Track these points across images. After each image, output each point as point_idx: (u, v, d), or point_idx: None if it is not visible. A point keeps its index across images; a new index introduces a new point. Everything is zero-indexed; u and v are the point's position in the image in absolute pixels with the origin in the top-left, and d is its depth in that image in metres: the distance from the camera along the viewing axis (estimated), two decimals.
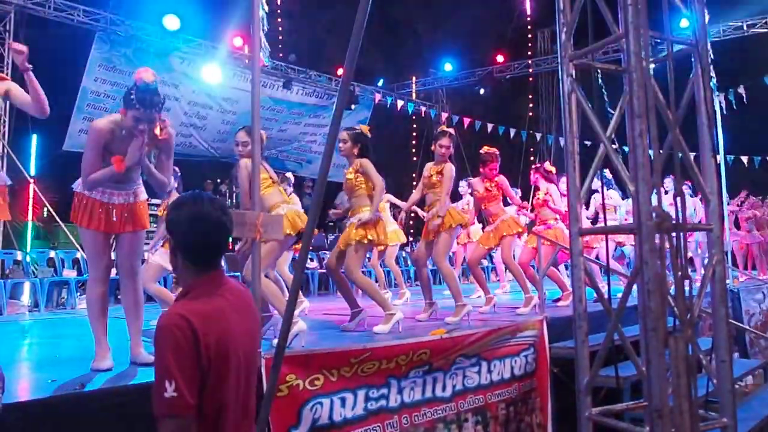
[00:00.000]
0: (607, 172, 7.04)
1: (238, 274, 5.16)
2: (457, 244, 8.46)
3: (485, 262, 10.97)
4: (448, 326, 4.87)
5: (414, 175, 14.81)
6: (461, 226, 5.67)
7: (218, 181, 12.58)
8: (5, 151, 9.45)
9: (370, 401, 3.58)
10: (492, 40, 17.50)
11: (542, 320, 4.86)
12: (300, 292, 4.44)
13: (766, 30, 12.64)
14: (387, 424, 3.65)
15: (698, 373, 2.57)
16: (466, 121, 15.05)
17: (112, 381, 3.17)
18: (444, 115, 15.91)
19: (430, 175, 5.63)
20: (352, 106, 13.82)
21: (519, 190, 9.26)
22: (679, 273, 2.53)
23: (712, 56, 9.77)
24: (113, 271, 3.83)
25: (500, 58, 15.94)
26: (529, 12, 16.98)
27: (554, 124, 16.95)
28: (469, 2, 18.56)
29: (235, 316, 1.93)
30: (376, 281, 7.48)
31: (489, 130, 14.95)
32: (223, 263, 2.28)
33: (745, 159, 14.70)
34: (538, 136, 16.94)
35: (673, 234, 2.58)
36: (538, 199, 7.05)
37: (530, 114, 17.46)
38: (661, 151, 2.73)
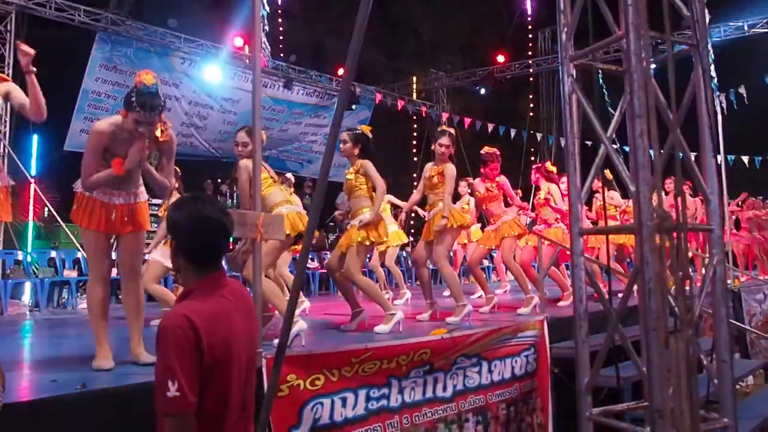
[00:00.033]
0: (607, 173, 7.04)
1: (238, 274, 5.16)
2: (456, 243, 8.46)
3: (485, 262, 10.97)
4: (449, 326, 4.87)
5: (414, 175, 14.82)
6: (462, 227, 5.67)
7: (219, 181, 12.58)
8: (6, 150, 9.45)
9: (371, 401, 3.59)
10: (492, 40, 17.52)
11: (543, 320, 4.86)
12: (300, 292, 4.44)
13: (766, 30, 12.63)
14: (388, 424, 3.65)
15: (699, 373, 2.57)
16: (467, 121, 15.06)
17: (113, 381, 3.17)
18: (444, 115, 15.91)
19: (430, 176, 5.61)
20: (353, 106, 13.82)
21: (519, 191, 9.27)
22: (680, 273, 2.53)
23: (712, 56, 9.80)
24: (114, 271, 3.83)
25: (501, 58, 15.94)
26: (529, 12, 17.00)
27: (555, 124, 16.95)
28: (470, 2, 18.60)
29: (236, 317, 1.95)
30: (377, 282, 7.49)
31: (489, 130, 14.96)
32: (223, 263, 2.28)
33: (745, 159, 14.71)
34: (539, 136, 16.95)
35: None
36: (539, 198, 7.04)
37: (531, 114, 17.48)
38: (661, 152, 2.73)
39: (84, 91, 10.34)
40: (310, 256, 9.44)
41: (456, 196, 7.23)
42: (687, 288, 2.58)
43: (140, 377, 3.15)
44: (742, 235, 11.75)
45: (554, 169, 7.12)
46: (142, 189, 3.67)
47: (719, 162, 8.31)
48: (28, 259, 8.41)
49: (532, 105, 17.70)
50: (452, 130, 5.99)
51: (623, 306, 2.92)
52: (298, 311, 4.53)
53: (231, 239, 2.41)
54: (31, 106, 3.35)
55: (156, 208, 6.85)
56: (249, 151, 4.37)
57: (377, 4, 2.55)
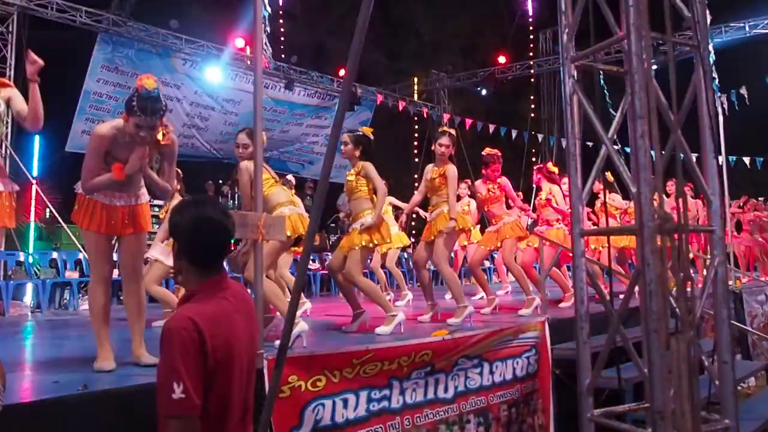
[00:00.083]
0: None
1: (239, 275, 5.16)
2: (457, 245, 8.45)
3: (486, 263, 10.97)
4: (450, 327, 4.87)
5: (415, 176, 14.83)
6: (462, 230, 5.66)
7: (220, 182, 12.59)
8: (8, 152, 9.46)
9: (372, 402, 3.59)
10: (494, 41, 17.53)
11: (544, 321, 4.85)
12: (302, 293, 4.44)
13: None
14: (389, 425, 3.65)
15: (700, 374, 2.57)
16: (468, 122, 15.07)
17: (115, 382, 3.17)
18: (446, 116, 15.92)
19: (432, 178, 5.59)
20: (354, 107, 13.83)
21: (521, 193, 9.26)
22: (681, 274, 2.53)
23: (713, 57, 9.80)
24: (115, 272, 3.83)
25: (502, 59, 15.94)
26: (530, 13, 17.00)
27: (556, 125, 16.95)
28: (471, 3, 18.61)
29: (237, 319, 1.96)
30: (378, 284, 7.48)
31: (490, 131, 14.96)
32: (225, 265, 2.28)
33: (747, 160, 14.70)
34: (540, 137, 16.95)
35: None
36: (540, 199, 7.04)
37: (532, 115, 17.48)
38: (663, 153, 2.73)
39: (85, 92, 10.35)
40: (311, 257, 9.45)
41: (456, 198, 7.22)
42: (688, 289, 2.58)
43: (142, 378, 3.15)
44: (743, 237, 11.75)
45: (556, 170, 7.12)
46: (144, 191, 3.67)
47: (720, 163, 8.30)
48: (30, 260, 8.42)
49: (533, 106, 17.70)
50: (453, 131, 5.98)
51: (624, 307, 2.92)
52: (299, 312, 4.53)
53: (232, 240, 2.42)
54: (29, 115, 3.36)
55: (157, 209, 6.86)
56: (249, 152, 4.37)
57: (378, 5, 2.55)
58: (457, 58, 18.51)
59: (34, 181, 9.61)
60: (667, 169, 2.80)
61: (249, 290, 3.20)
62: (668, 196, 7.14)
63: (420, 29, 19.74)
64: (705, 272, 3.12)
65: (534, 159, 16.53)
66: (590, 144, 3.77)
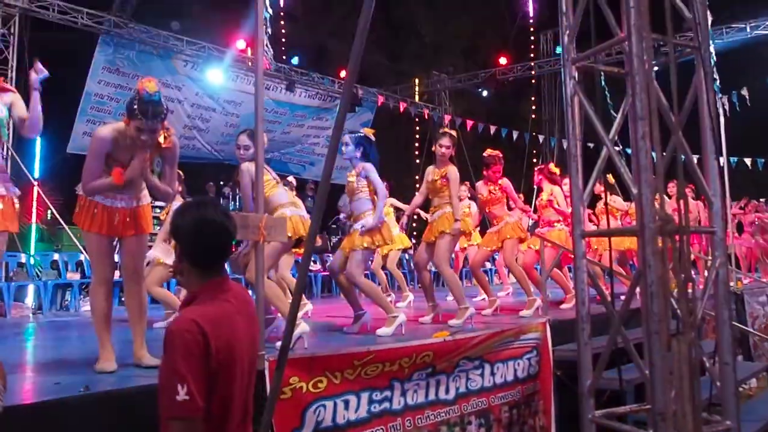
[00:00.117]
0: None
1: (240, 276, 5.16)
2: (457, 245, 8.44)
3: (488, 265, 10.96)
4: (451, 329, 4.86)
5: (417, 177, 14.83)
6: (463, 232, 5.65)
7: (221, 183, 12.59)
8: (9, 153, 9.47)
9: (373, 404, 3.59)
10: (495, 42, 17.53)
11: (545, 323, 4.85)
12: (303, 295, 4.44)
13: None
14: (390, 427, 3.65)
15: (701, 375, 2.57)
16: (469, 123, 15.07)
17: (116, 383, 3.17)
18: (447, 118, 15.92)
19: (433, 180, 5.58)
20: (356, 109, 13.84)
21: (522, 195, 9.25)
22: (682, 275, 2.53)
23: (714, 58, 9.78)
24: (117, 273, 3.84)
25: (503, 61, 15.93)
26: (531, 14, 17.00)
27: (557, 127, 16.95)
28: (472, 5, 18.60)
29: (239, 320, 1.97)
30: (379, 285, 7.48)
31: (492, 132, 14.96)
32: (226, 266, 2.28)
33: (748, 161, 14.69)
34: (541, 138, 16.95)
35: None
36: (541, 200, 7.04)
37: (533, 116, 17.49)
38: (664, 154, 2.73)
39: (87, 93, 10.36)
40: (312, 259, 9.44)
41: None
42: (689, 290, 2.58)
43: (143, 380, 3.16)
44: (744, 238, 11.75)
45: (557, 171, 7.11)
46: (145, 192, 3.67)
47: (721, 164, 8.30)
48: (31, 261, 8.43)
49: (534, 107, 17.71)
50: (453, 132, 5.97)
51: (626, 308, 2.92)
52: (300, 314, 4.53)
53: (234, 242, 2.42)
54: (27, 122, 3.37)
55: (158, 211, 6.87)
56: (251, 154, 4.36)
57: (379, 7, 2.55)
58: (458, 59, 18.51)
59: (35, 183, 9.61)
60: (668, 170, 2.80)
61: (250, 291, 3.21)
62: (669, 197, 7.13)
63: (421, 31, 19.73)
64: (706, 273, 3.11)
65: (535, 160, 16.52)
66: (591, 145, 3.78)
